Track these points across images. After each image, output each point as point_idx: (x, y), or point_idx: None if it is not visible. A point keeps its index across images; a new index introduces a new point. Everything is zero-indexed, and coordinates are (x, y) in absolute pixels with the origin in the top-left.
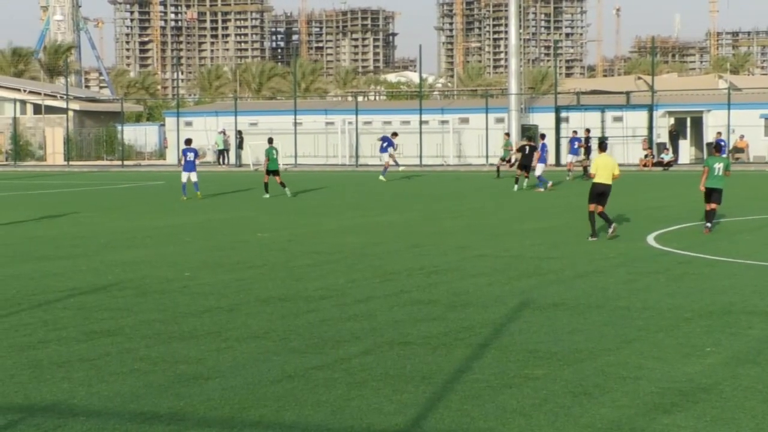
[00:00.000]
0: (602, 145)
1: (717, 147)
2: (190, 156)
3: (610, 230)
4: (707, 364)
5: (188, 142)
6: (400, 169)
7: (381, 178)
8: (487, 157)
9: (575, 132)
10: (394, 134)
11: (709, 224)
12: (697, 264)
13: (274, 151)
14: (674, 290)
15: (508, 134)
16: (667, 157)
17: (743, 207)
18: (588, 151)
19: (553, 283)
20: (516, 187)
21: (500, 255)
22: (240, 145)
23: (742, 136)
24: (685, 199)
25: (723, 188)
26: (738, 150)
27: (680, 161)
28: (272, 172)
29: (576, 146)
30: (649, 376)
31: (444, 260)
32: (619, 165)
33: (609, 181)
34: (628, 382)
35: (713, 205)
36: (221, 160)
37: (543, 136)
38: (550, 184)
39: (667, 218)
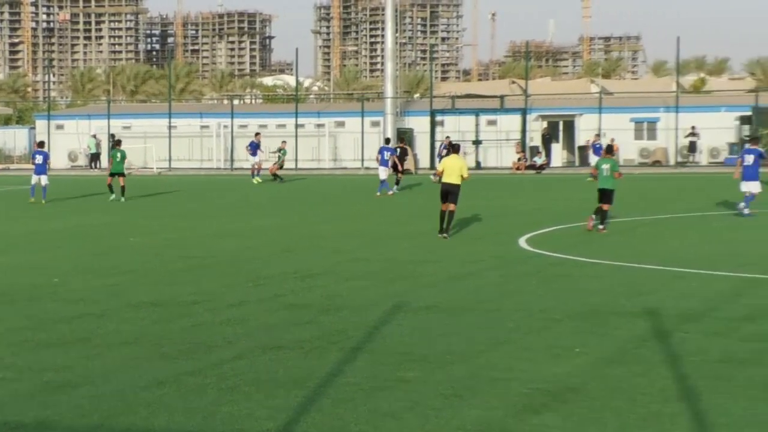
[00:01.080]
0: (454, 147)
1: (608, 149)
2: (39, 159)
3: (445, 233)
4: (576, 364)
5: (40, 144)
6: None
7: (255, 180)
8: (362, 160)
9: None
10: (257, 134)
11: (600, 225)
12: (568, 266)
13: (119, 154)
14: (545, 292)
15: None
16: (539, 160)
17: (614, 209)
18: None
19: (427, 287)
20: (395, 188)
21: (375, 259)
22: (112, 149)
23: (612, 140)
24: (556, 202)
25: (613, 189)
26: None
27: (552, 164)
28: (116, 174)
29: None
30: (520, 377)
31: (318, 264)
32: (493, 168)
33: (457, 182)
34: (498, 383)
35: (605, 206)
36: (93, 164)
37: (387, 141)
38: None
39: (539, 221)
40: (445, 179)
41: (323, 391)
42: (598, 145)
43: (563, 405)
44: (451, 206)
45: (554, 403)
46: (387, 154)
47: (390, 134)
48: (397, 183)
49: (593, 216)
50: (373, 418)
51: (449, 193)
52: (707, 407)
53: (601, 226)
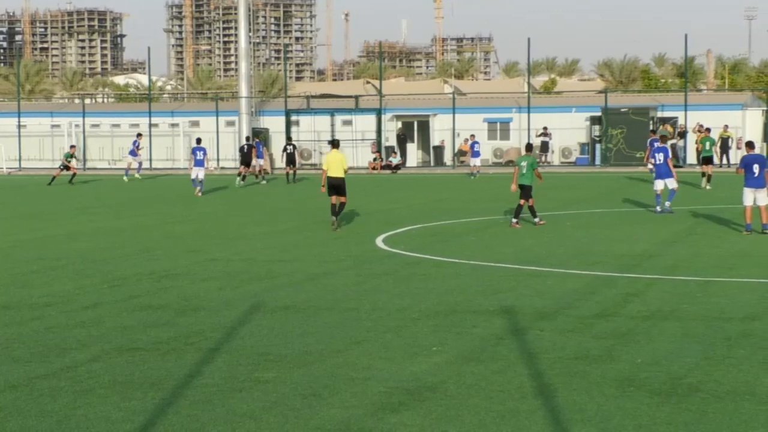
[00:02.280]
0: (334, 143)
1: (528, 146)
2: None
3: (334, 225)
4: (433, 363)
5: None
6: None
7: (124, 179)
8: (218, 160)
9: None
10: (139, 135)
11: (535, 218)
12: (425, 265)
13: None
14: (402, 291)
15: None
16: (395, 160)
17: (468, 209)
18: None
19: (284, 286)
20: (237, 181)
21: (232, 259)
22: None
23: (466, 140)
24: (412, 202)
25: (531, 185)
26: (463, 153)
27: (408, 164)
28: None
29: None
30: (378, 377)
31: (174, 265)
32: (349, 168)
33: (341, 175)
34: (356, 382)
35: (525, 201)
36: None
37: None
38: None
39: (395, 221)
40: (331, 174)
41: (180, 393)
42: (475, 144)
43: (421, 403)
44: (342, 198)
45: (412, 401)
46: (200, 154)
47: (246, 133)
48: (243, 178)
49: (515, 220)
50: (231, 419)
51: (337, 186)
52: (563, 403)
53: (536, 219)
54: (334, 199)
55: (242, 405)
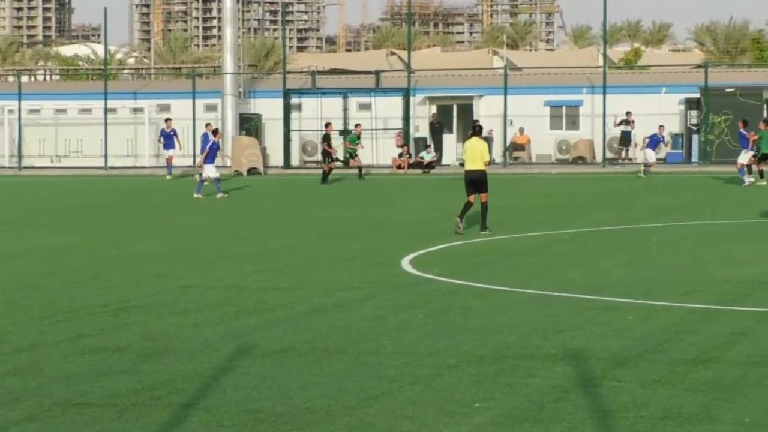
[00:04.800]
0: (475, 129)
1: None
2: None
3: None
4: (476, 424)
5: None
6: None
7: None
8: (194, 157)
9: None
10: (167, 119)
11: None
12: (465, 295)
13: None
14: (435, 329)
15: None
16: (428, 156)
17: (525, 220)
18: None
19: (281, 323)
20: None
21: (211, 286)
22: None
23: (521, 130)
24: (450, 211)
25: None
26: (517, 147)
27: (444, 161)
28: None
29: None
30: None
31: (137, 294)
32: (369, 165)
33: (482, 167)
34: None
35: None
36: None
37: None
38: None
39: (427, 235)
40: (469, 166)
41: None
42: (655, 138)
43: None
44: (482, 196)
45: None
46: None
47: (231, 121)
48: (203, 181)
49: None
50: None
51: (476, 181)
52: None
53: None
54: (472, 197)
55: None
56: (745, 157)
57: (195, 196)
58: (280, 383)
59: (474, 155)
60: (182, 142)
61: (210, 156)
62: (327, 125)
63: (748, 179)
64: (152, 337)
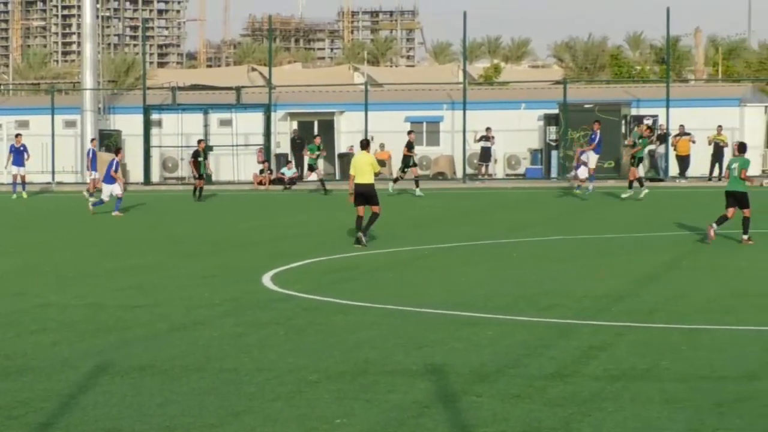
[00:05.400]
0: (362, 144)
1: (740, 146)
2: None
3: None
4: None
5: None
6: None
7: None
8: (53, 173)
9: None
10: (93, 139)
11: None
12: (326, 311)
13: None
14: (296, 346)
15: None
16: (289, 172)
17: (384, 236)
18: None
19: (140, 340)
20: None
21: (71, 304)
22: None
23: (382, 146)
24: (311, 227)
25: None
26: (383, 163)
27: (306, 178)
28: None
29: None
30: None
31: None
32: (227, 183)
33: (371, 180)
34: None
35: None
36: None
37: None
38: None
39: (288, 252)
40: (359, 179)
41: None
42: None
43: None
44: (374, 208)
45: None
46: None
47: (91, 136)
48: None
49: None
50: None
51: (365, 194)
52: None
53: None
54: (362, 210)
55: None
56: (593, 161)
57: (114, 213)
58: (139, 401)
59: (364, 168)
60: (42, 159)
61: (108, 175)
62: (199, 142)
63: (592, 185)
64: (10, 356)
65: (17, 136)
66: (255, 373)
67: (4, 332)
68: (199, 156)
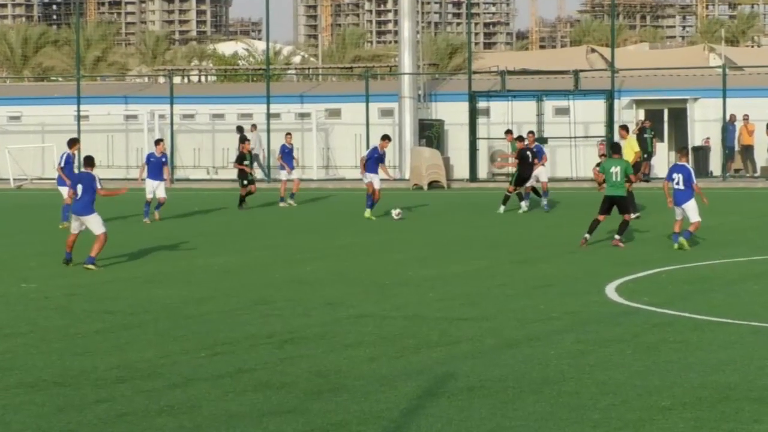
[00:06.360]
0: (614, 147)
1: (615, 148)
2: None
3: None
4: None
5: None
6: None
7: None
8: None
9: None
10: (288, 134)
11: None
12: (680, 327)
13: None
14: (646, 366)
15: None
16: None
17: (750, 241)
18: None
19: (468, 357)
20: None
21: (389, 315)
22: None
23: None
24: (663, 230)
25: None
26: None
27: (656, 173)
28: None
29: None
30: None
31: (304, 323)
32: (563, 180)
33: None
34: None
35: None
36: None
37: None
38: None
39: (635, 259)
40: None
41: None
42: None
43: None
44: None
45: None
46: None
47: (410, 128)
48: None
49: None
50: None
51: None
52: None
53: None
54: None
55: None
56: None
57: (145, 220)
58: (468, 427)
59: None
60: (354, 152)
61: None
62: (245, 139)
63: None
64: (322, 373)
65: (287, 135)
66: (599, 397)
67: (315, 346)
68: (245, 159)
